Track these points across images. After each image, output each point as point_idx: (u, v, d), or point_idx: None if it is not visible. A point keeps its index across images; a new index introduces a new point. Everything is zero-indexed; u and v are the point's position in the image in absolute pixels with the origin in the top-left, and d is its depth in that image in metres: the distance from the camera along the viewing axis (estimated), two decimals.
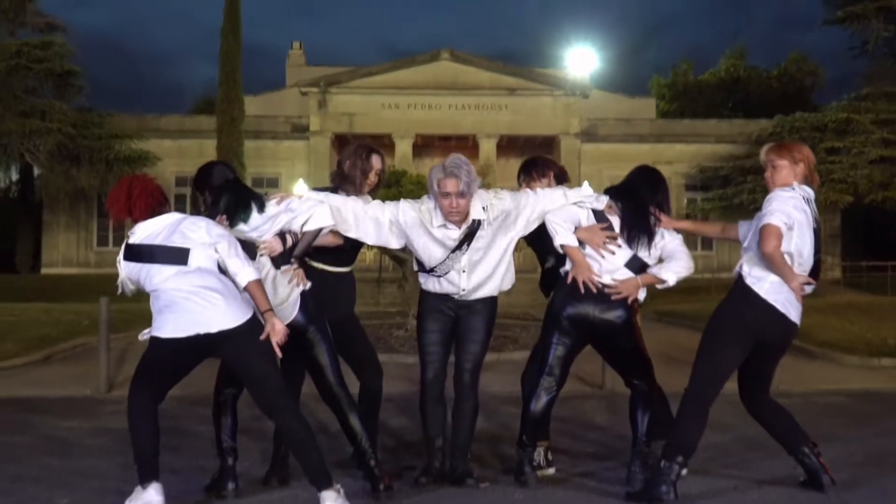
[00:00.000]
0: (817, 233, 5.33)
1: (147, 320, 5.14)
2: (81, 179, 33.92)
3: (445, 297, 5.65)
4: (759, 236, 5.16)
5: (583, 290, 5.50)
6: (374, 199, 5.88)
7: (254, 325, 4.95)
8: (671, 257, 5.69)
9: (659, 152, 39.05)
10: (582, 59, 49.98)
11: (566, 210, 5.67)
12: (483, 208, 5.56)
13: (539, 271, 6.13)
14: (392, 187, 16.43)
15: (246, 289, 4.97)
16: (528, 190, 5.91)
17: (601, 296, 5.50)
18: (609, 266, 5.54)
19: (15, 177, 42.63)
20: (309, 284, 5.48)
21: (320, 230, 5.49)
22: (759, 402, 5.57)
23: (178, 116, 41.60)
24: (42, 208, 38.81)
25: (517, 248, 5.76)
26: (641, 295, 5.64)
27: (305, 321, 5.41)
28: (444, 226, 5.53)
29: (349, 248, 5.76)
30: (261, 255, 5.37)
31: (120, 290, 5.11)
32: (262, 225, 5.44)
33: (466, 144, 39.39)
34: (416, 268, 5.83)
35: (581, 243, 5.56)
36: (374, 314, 19.34)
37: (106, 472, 6.07)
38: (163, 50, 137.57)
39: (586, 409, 8.83)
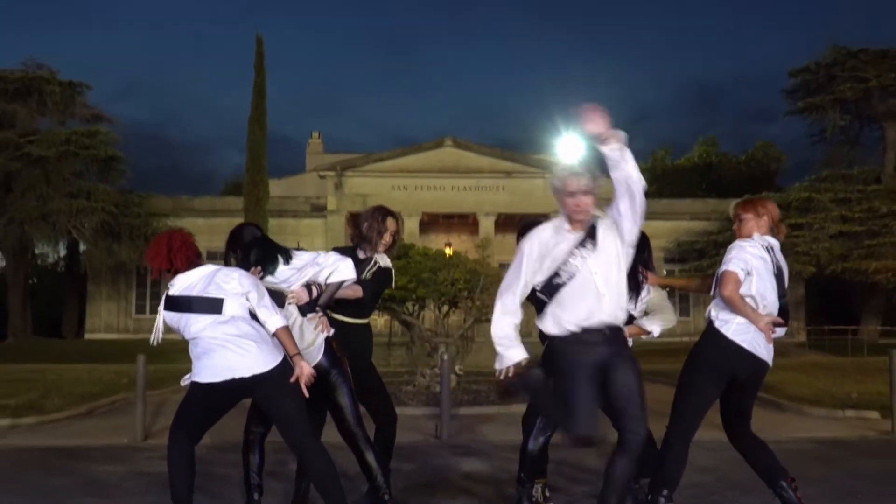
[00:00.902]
0: (779, 278, 5.30)
1: (179, 378, 5.12)
2: (122, 254, 34.07)
3: None
4: (719, 282, 5.18)
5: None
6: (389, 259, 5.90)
7: (284, 369, 4.90)
8: (656, 311, 5.69)
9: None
10: (570, 146, 50.32)
11: None
12: None
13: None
14: (402, 258, 16.44)
15: (275, 335, 4.93)
16: None
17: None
18: None
19: (63, 252, 42.84)
20: (332, 331, 5.48)
21: (342, 282, 5.51)
22: (741, 436, 5.50)
23: (209, 198, 41.89)
24: (86, 280, 38.79)
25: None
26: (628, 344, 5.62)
27: (328, 365, 5.39)
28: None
29: (367, 301, 5.78)
30: (289, 304, 5.39)
31: (153, 338, 5.06)
32: (290, 276, 5.46)
33: (468, 222, 39.56)
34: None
35: None
36: (384, 373, 19.17)
37: None
38: (196, 139, 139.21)
39: (581, 453, 8.73)
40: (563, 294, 4.60)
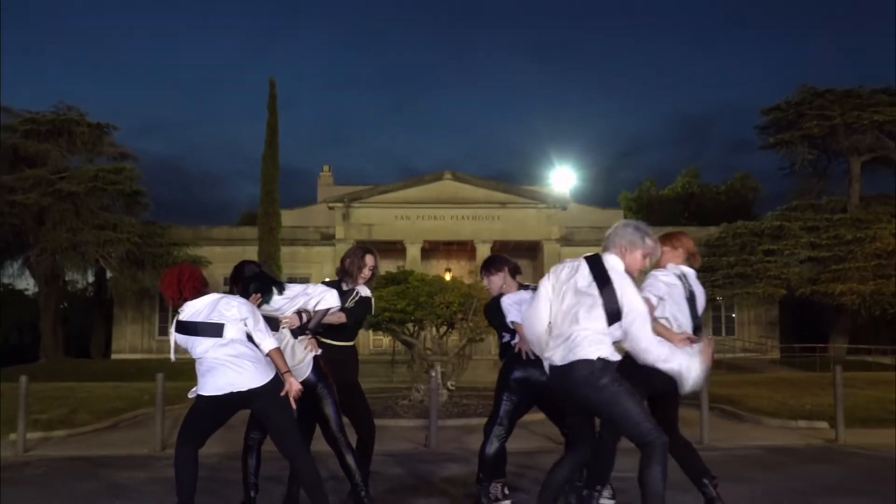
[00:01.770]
0: (692, 302, 5.66)
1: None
2: (146, 281, 34.33)
3: None
4: None
5: (524, 358, 5.94)
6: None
7: (275, 385, 5.35)
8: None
9: None
10: (563, 178, 50.82)
11: (516, 294, 6.20)
12: None
13: (497, 345, 6.60)
14: (401, 284, 16.89)
15: (268, 355, 5.41)
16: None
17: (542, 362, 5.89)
18: None
19: (91, 278, 43.19)
20: (319, 351, 5.98)
21: (328, 309, 6.03)
22: (671, 440, 5.85)
23: (226, 228, 42.21)
24: (113, 304, 39.13)
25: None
26: None
27: (315, 379, 5.90)
28: None
29: (351, 326, 6.27)
30: (283, 328, 5.90)
31: (172, 357, 5.53)
32: (283, 305, 5.98)
33: (466, 248, 39.88)
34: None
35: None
36: (387, 388, 19.59)
37: None
38: (214, 172, 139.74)
39: (547, 460, 9.13)
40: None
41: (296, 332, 5.95)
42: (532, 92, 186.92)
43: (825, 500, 6.58)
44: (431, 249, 40.03)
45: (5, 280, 42.92)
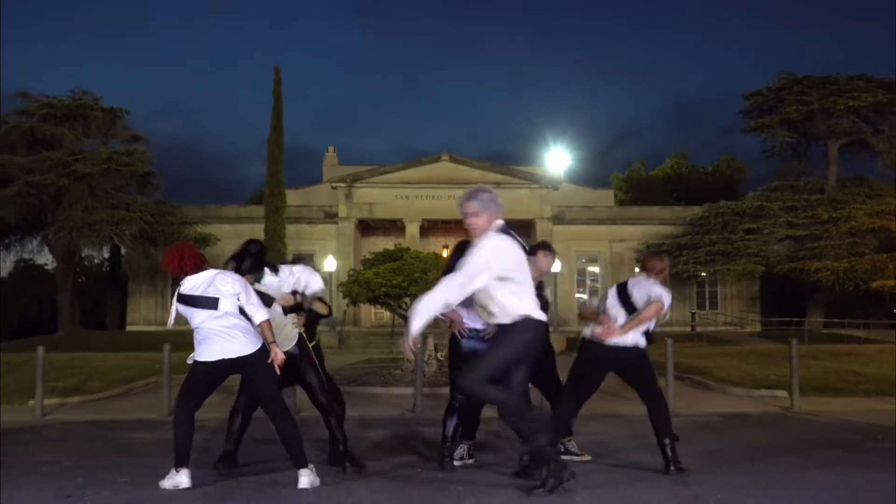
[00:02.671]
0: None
1: None
2: (158, 257, 34.36)
3: None
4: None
5: (459, 335, 6.47)
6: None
7: (262, 354, 5.78)
8: None
9: (615, 232, 40.11)
10: (558, 158, 51.02)
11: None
12: None
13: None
14: (397, 261, 17.29)
15: (259, 326, 5.81)
16: None
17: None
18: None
19: (106, 255, 43.57)
20: (303, 328, 6.44)
21: (315, 292, 6.48)
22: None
23: (234, 207, 42.51)
24: (127, 280, 39.60)
25: None
26: None
27: (299, 353, 6.35)
28: None
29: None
30: (276, 304, 6.30)
31: (169, 323, 5.98)
32: (273, 284, 6.40)
33: (462, 227, 40.13)
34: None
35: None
36: (384, 360, 20.05)
37: (158, 465, 6.75)
38: (224, 153, 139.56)
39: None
40: None
41: (286, 310, 6.37)
42: (531, 74, 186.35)
43: (759, 460, 6.94)
44: (430, 227, 40.35)
45: (25, 256, 43.28)
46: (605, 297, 6.70)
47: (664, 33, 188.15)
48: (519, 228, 41.12)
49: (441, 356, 16.85)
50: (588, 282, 40.89)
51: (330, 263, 35.72)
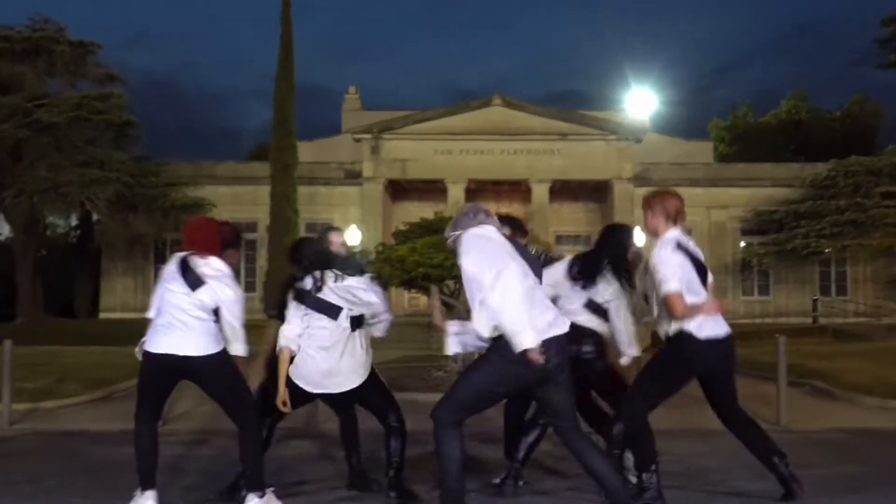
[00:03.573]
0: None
1: None
2: (139, 226, 35.35)
3: None
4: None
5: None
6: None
7: (219, 361, 6.24)
8: None
9: (714, 196, 39.81)
10: (641, 102, 50.76)
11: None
12: None
13: None
14: (439, 233, 17.41)
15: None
16: None
17: None
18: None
19: (75, 223, 43.77)
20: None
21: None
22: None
23: (232, 163, 42.92)
24: (100, 254, 40.07)
25: None
26: None
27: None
28: None
29: None
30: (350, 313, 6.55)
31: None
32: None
33: (519, 189, 40.32)
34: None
35: None
36: (420, 357, 20.25)
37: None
38: (217, 94, 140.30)
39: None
40: None
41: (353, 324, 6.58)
42: None
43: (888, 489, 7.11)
44: (477, 190, 40.38)
45: None
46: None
47: None
48: (592, 192, 41.41)
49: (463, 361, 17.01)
50: None
51: (353, 236, 35.96)
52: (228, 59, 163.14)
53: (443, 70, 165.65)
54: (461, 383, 5.77)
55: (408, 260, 16.29)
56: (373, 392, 6.63)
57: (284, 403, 6.37)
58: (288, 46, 35.55)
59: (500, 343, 5.48)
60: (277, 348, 6.44)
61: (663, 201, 6.38)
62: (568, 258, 6.93)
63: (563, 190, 40.20)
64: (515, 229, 6.86)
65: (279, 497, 6.45)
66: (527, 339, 5.32)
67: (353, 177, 40.23)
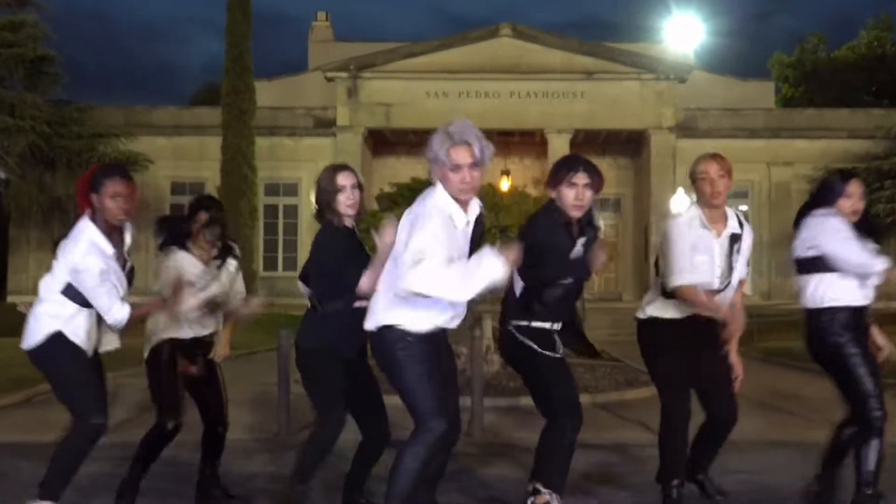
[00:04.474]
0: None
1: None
2: (58, 188, 35.24)
3: None
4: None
5: None
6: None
7: (45, 350, 6.57)
8: None
9: (776, 150, 39.76)
10: (683, 32, 50.59)
11: None
12: None
13: None
14: None
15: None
16: None
17: None
18: None
19: None
20: None
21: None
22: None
23: (174, 109, 42.83)
24: (8, 222, 39.51)
25: None
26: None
27: None
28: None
29: None
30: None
31: None
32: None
33: (533, 141, 40.09)
34: None
35: None
36: None
37: None
38: (156, 22, 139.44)
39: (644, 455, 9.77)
40: None
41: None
42: None
43: None
44: None
45: None
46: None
47: None
48: (624, 143, 41.23)
49: None
50: None
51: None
52: None
53: None
54: None
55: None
56: None
57: None
58: None
59: None
60: None
61: None
62: None
63: (588, 142, 39.97)
64: None
65: None
66: None
67: (325, 125, 40.14)
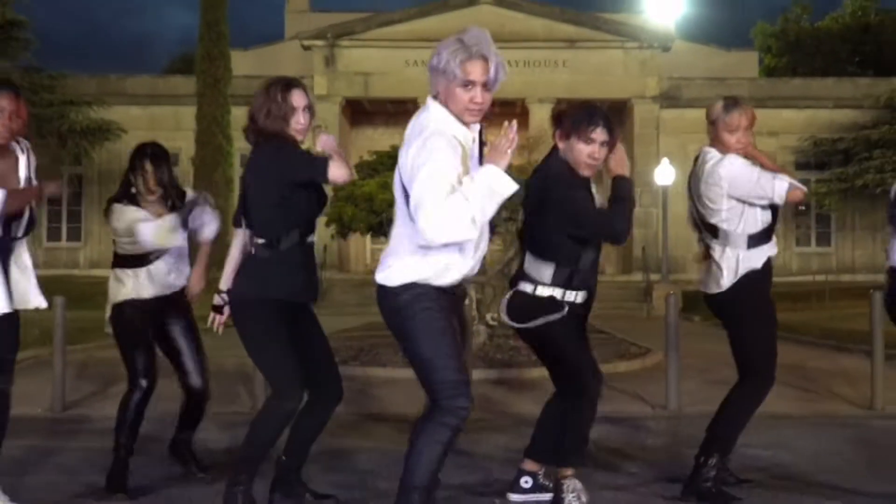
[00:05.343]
0: None
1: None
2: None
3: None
4: None
5: None
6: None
7: None
8: None
9: (761, 120, 38.58)
10: (664, 2, 50.36)
11: None
12: None
13: None
14: None
15: None
16: None
17: None
18: None
19: None
20: None
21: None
22: None
23: (148, 77, 42.66)
24: None
25: None
26: None
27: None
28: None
29: None
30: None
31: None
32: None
33: (514, 111, 39.70)
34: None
35: None
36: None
37: (64, 489, 6.96)
38: None
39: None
40: None
41: None
42: None
43: None
44: None
45: None
46: None
47: None
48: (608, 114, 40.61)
49: (491, 319, 16.73)
50: None
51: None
52: None
53: None
54: None
55: (377, 198, 15.93)
56: None
57: None
58: None
59: None
60: None
61: None
62: None
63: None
64: None
65: None
66: None
67: None
